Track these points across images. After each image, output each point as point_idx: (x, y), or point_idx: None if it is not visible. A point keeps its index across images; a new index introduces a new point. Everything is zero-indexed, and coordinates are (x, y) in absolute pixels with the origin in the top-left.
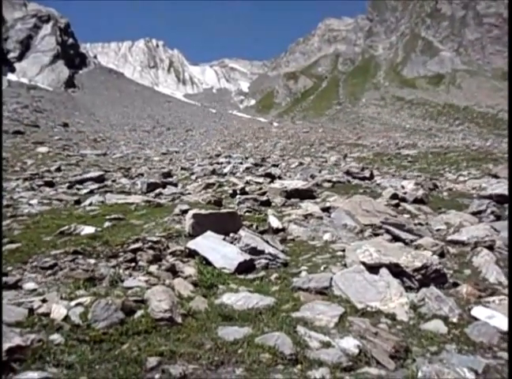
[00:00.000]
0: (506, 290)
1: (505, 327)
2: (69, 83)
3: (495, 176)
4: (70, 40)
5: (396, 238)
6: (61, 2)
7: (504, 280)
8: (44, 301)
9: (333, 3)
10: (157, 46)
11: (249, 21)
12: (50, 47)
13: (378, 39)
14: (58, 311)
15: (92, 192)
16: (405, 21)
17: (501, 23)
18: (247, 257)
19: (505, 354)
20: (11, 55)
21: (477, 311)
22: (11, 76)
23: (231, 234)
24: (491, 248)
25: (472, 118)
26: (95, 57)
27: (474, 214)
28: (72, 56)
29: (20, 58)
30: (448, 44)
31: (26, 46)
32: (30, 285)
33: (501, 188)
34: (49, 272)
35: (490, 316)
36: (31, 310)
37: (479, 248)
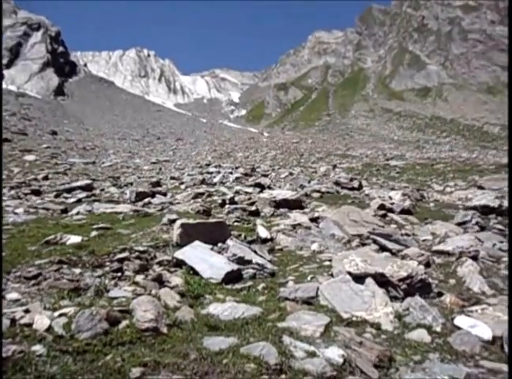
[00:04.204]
0: (489, 300)
1: (486, 336)
2: (59, 91)
3: (481, 187)
4: (61, 48)
5: (383, 248)
6: (52, 9)
7: (487, 290)
8: (27, 311)
9: (323, 16)
10: (148, 55)
11: (240, 33)
12: (40, 55)
13: (367, 53)
14: (41, 322)
15: (79, 201)
16: (393, 35)
17: (485, 38)
18: (235, 266)
19: (486, 363)
20: None
21: (460, 320)
22: None
23: (219, 244)
24: (475, 258)
25: (458, 130)
26: (85, 65)
27: (459, 224)
28: (62, 64)
29: (8, 65)
30: (434, 58)
31: (15, 53)
32: (13, 295)
33: (485, 199)
34: (33, 281)
35: (472, 325)
36: (13, 321)
37: (463, 258)
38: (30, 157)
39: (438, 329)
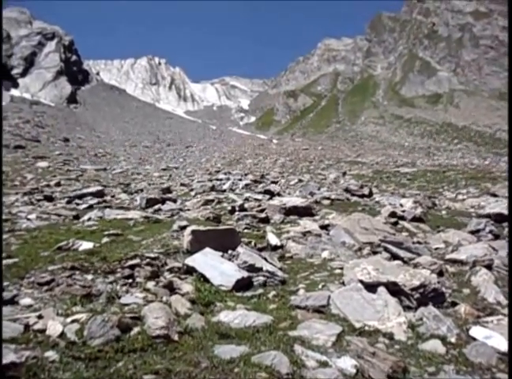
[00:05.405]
0: (504, 310)
1: (503, 347)
2: (72, 99)
3: (494, 195)
4: (74, 57)
5: (394, 257)
6: (66, 20)
7: (503, 300)
8: (40, 317)
9: (333, 24)
10: (159, 63)
11: (250, 40)
12: (54, 64)
13: (377, 59)
14: (54, 327)
15: (91, 207)
16: (403, 42)
17: (497, 45)
18: (245, 274)
19: (503, 376)
20: (15, 71)
21: (475, 331)
22: (14, 92)
23: (230, 251)
24: (489, 267)
25: (470, 136)
26: (97, 73)
27: (472, 233)
28: (75, 72)
29: (23, 74)
30: (445, 65)
31: (30, 62)
32: (26, 301)
33: (499, 207)
34: (46, 287)
35: (488, 336)
36: (26, 326)
37: (477, 267)
38: (43, 164)
39: (453, 340)
